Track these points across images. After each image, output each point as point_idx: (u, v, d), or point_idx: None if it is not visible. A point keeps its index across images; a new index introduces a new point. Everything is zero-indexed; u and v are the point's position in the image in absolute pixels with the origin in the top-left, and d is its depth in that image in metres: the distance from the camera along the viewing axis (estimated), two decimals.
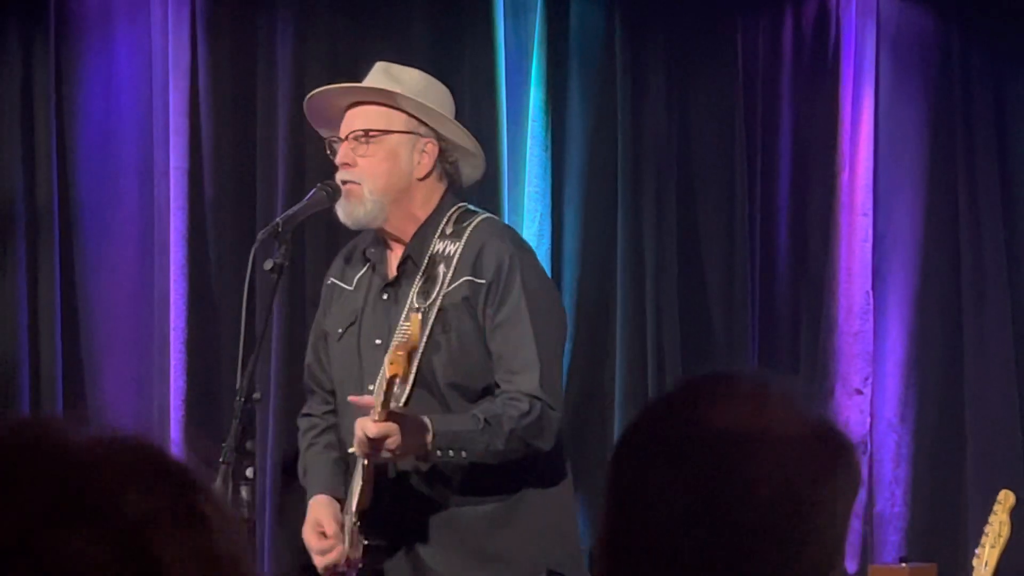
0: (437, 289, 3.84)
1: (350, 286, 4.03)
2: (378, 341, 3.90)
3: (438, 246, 3.90)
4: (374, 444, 3.57)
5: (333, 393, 4.07)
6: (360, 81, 4.06)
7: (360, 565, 3.78)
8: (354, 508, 3.77)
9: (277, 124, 5.48)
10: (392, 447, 3.58)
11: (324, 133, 4.09)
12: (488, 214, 4.04)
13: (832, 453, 1.52)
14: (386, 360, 3.51)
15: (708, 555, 1.48)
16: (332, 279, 4.10)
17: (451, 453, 3.68)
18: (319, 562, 3.83)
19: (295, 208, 3.88)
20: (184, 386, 5.41)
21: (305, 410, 4.17)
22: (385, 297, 3.94)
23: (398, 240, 3.96)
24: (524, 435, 3.75)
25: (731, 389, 1.56)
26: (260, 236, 3.74)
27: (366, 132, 3.91)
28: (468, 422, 3.70)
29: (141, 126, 5.54)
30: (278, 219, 3.78)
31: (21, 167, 5.47)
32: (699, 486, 1.49)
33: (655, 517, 1.51)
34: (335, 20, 5.63)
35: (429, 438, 3.64)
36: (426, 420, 3.66)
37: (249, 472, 3.52)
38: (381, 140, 3.91)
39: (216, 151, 5.52)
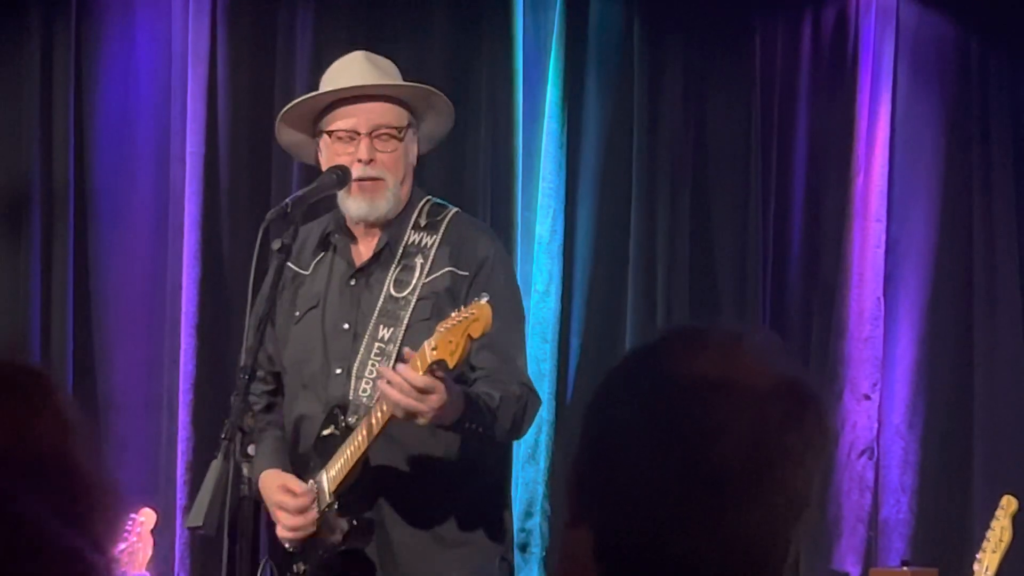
0: (415, 279, 3.87)
1: (306, 270, 4.05)
2: (346, 326, 3.93)
3: (413, 237, 3.95)
4: (420, 395, 3.52)
5: (276, 375, 4.08)
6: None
7: (343, 547, 3.81)
8: (332, 489, 3.79)
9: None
10: (437, 404, 3.54)
11: (287, 131, 4.09)
12: (456, 208, 4.08)
13: (801, 404, 1.54)
14: (427, 344, 3.51)
15: (675, 498, 1.51)
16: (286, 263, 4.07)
17: (471, 426, 3.70)
18: (292, 522, 3.83)
19: (304, 190, 3.89)
20: (193, 370, 5.44)
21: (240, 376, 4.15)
22: (352, 283, 3.96)
23: (372, 228, 3.98)
24: (517, 418, 3.81)
25: (704, 339, 1.58)
26: (269, 216, 3.75)
27: (398, 129, 3.95)
28: (489, 400, 3.73)
29: (158, 111, 5.57)
30: (287, 200, 3.79)
31: (38, 150, 5.51)
32: (668, 431, 1.52)
33: (625, 460, 1.53)
34: (355, 11, 5.66)
35: (463, 409, 3.66)
36: (463, 394, 3.68)
37: (251, 450, 3.53)
38: (403, 137, 3.96)
39: (232, 138, 5.56)
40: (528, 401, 3.84)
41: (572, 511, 1.58)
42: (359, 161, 3.90)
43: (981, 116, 6.08)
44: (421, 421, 3.60)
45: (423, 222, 3.99)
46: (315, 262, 4.05)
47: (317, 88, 4.12)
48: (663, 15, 5.93)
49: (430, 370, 3.51)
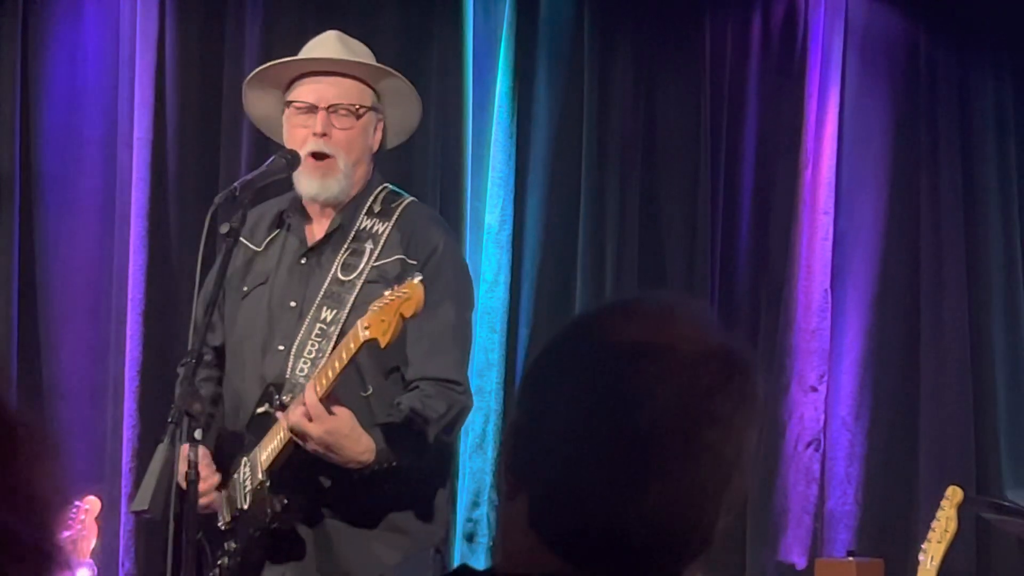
0: (363, 264, 3.87)
1: (258, 247, 4.05)
2: (292, 304, 3.92)
3: (365, 222, 3.96)
4: (307, 417, 3.61)
5: (217, 349, 4.07)
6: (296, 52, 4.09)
7: (272, 525, 3.79)
8: (266, 467, 3.78)
9: (242, 98, 5.47)
10: (315, 433, 3.62)
11: (256, 96, 4.10)
12: (412, 197, 4.09)
13: (728, 369, 1.56)
14: (360, 323, 3.52)
15: (601, 462, 1.53)
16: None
17: (385, 465, 3.74)
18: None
19: (253, 174, 3.88)
20: (140, 356, 5.40)
21: (180, 368, 4.16)
22: (303, 262, 3.96)
23: (328, 208, 3.98)
24: (441, 434, 3.83)
25: (637, 308, 1.61)
26: (217, 201, 3.74)
27: (356, 108, 3.95)
28: (403, 435, 3.75)
29: (106, 96, 5.53)
30: (235, 184, 3.78)
31: None
32: (596, 396, 1.55)
33: (555, 427, 1.56)
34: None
35: (370, 457, 3.70)
36: (371, 441, 3.70)
37: (197, 434, 3.51)
38: (361, 116, 3.96)
39: (180, 123, 5.52)
40: (460, 411, 3.86)
41: (508, 482, 1.61)
42: (314, 135, 3.92)
43: (929, 110, 6.12)
44: (307, 445, 3.66)
45: (377, 208, 3.99)
46: (268, 240, 4.06)
47: None
48: (614, 6, 5.93)
49: (327, 404, 3.57)
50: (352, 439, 3.66)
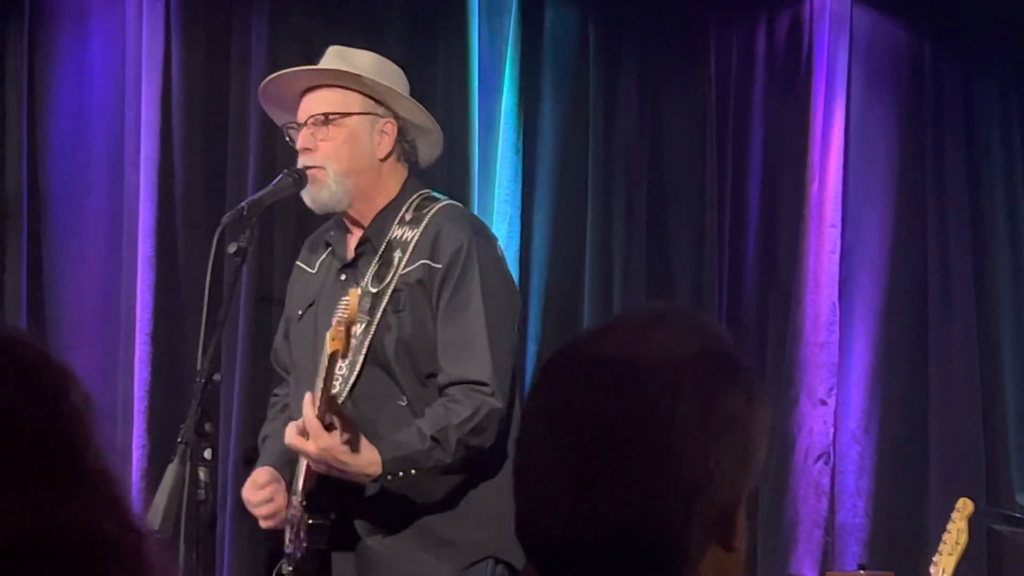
0: (392, 272, 3.86)
1: (312, 269, 4.07)
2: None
3: (397, 232, 3.94)
4: (304, 434, 3.61)
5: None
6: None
7: (305, 544, 3.78)
8: (300, 488, 3.78)
9: (249, 118, 5.48)
10: (313, 451, 3.62)
11: (279, 120, 4.11)
12: (450, 201, 4.05)
13: (692, 385, 1.56)
14: (327, 336, 3.53)
15: (552, 477, 1.56)
16: (298, 263, 4.15)
17: (401, 475, 3.71)
18: (256, 513, 3.85)
19: (261, 193, 3.90)
20: (148, 378, 5.40)
21: (276, 390, 4.21)
22: (343, 278, 3.96)
23: (358, 224, 3.99)
24: (468, 440, 3.77)
25: (616, 324, 1.64)
26: (225, 220, 3.75)
27: (326, 116, 3.94)
28: (416, 442, 3.72)
29: (112, 117, 5.53)
30: (243, 203, 3.79)
31: None
32: (556, 407, 1.58)
33: (526, 436, 1.61)
34: (310, 17, 5.64)
35: (378, 469, 3.67)
36: (376, 453, 3.68)
37: (207, 454, 3.52)
38: (341, 123, 3.95)
39: (187, 143, 5.52)
40: (488, 412, 3.78)
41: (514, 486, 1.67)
42: (298, 152, 3.95)
43: (934, 122, 6.12)
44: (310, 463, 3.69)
45: (409, 217, 3.96)
46: (319, 261, 4.08)
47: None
48: (618, 21, 5.93)
49: (329, 418, 3.58)
50: (350, 455, 3.64)
